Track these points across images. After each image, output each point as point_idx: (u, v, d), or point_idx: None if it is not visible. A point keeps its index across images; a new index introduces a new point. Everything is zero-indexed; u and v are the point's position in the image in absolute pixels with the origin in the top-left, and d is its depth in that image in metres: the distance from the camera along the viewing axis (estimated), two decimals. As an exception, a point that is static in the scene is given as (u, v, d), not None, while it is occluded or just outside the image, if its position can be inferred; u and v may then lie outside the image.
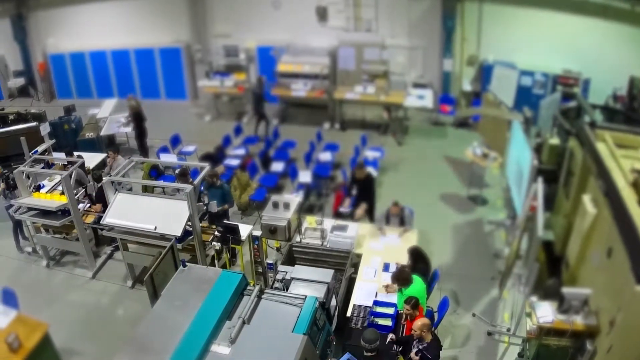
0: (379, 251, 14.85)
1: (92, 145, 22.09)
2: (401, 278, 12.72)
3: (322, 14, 26.83)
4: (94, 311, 15.45)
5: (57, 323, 13.16)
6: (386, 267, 14.08)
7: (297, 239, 15.39)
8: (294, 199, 15.93)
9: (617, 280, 10.47)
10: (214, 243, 14.37)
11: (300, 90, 25.97)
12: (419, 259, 13.93)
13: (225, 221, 15.01)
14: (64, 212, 15.83)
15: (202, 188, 16.63)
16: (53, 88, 31.48)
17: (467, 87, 26.44)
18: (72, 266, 17.37)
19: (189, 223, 14.15)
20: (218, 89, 27.36)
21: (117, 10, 29.58)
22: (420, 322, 10.76)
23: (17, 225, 17.49)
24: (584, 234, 12.48)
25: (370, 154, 21.68)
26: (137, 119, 22.89)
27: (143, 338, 9.70)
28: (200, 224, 14.76)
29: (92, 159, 19.67)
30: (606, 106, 19.08)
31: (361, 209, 16.50)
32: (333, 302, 12.95)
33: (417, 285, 12.67)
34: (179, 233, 13.92)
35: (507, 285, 14.74)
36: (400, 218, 15.84)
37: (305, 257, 15.11)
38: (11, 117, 22.85)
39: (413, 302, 11.66)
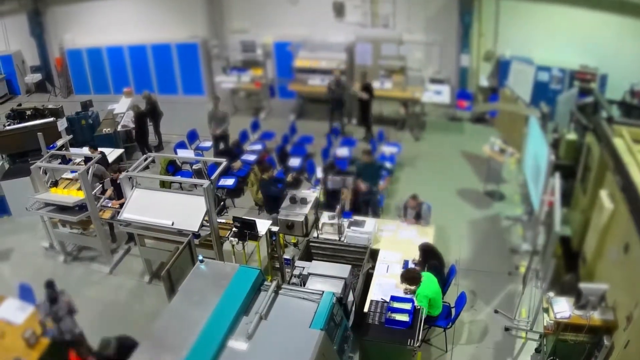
0: (396, 246, 14.90)
1: (110, 141, 22.21)
2: (409, 277, 12.77)
3: (339, 10, 26.85)
4: (111, 306, 15.58)
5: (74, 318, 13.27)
6: (405, 264, 14.09)
7: (315, 234, 15.44)
8: (312, 194, 15.98)
9: (635, 276, 10.50)
10: (231, 239, 14.45)
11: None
12: (431, 255, 13.89)
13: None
14: (81, 207, 15.99)
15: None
16: (70, 83, 31.65)
17: (484, 82, 26.39)
18: (89, 261, 17.54)
19: (206, 218, 14.24)
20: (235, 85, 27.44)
21: (134, 6, 29.72)
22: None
23: None
24: (601, 229, 12.49)
25: (387, 149, 21.70)
26: (152, 114, 23.02)
27: (160, 333, 9.71)
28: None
29: (109, 155, 19.74)
30: (623, 102, 18.98)
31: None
32: (350, 298, 12.92)
33: (429, 282, 12.75)
34: (196, 228, 13.98)
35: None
36: (417, 212, 15.88)
37: (322, 253, 15.14)
38: (28, 112, 23.11)
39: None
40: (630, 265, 10.81)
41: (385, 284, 13.47)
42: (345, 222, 15.49)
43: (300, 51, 26.71)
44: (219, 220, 14.88)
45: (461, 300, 13.15)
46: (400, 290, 13.07)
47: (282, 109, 26.47)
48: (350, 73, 26.35)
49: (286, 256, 14.91)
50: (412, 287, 12.67)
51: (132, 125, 22.91)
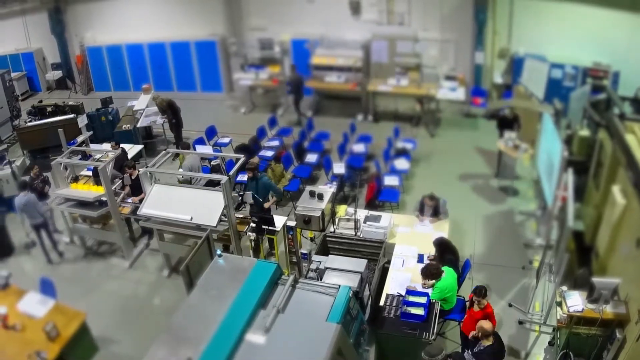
0: (412, 241, 14.95)
1: (129, 137, 22.32)
2: (430, 273, 12.78)
3: (355, 8, 26.90)
4: (130, 301, 15.69)
5: (95, 312, 13.34)
6: (420, 259, 14.18)
7: (331, 229, 15.47)
8: (328, 189, 16.03)
9: (647, 270, 10.55)
10: (249, 233, 14.52)
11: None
12: (446, 250, 13.91)
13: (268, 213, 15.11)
14: (101, 202, 16.11)
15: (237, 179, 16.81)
16: (90, 80, 31.81)
17: (499, 79, 26.38)
18: (109, 256, 17.64)
19: (224, 213, 14.32)
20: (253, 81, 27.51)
21: (154, 4, 29.88)
22: (482, 324, 10.83)
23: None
24: (614, 224, 12.50)
25: (403, 145, 21.76)
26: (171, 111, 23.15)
27: (179, 327, 9.76)
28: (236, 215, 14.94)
29: (129, 151, 19.84)
30: (635, 98, 18.93)
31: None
32: (366, 292, 12.98)
33: (449, 277, 12.80)
34: (214, 223, 14.08)
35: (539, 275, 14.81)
36: (434, 209, 15.93)
37: (339, 247, 15.14)
38: (49, 109, 23.32)
39: (482, 291, 11.83)
40: (642, 260, 10.85)
41: (400, 278, 13.53)
42: (362, 217, 15.54)
43: (317, 48, 26.78)
44: (236, 215, 14.97)
45: (476, 294, 13.22)
46: (415, 284, 13.13)
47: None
48: (367, 70, 26.37)
49: (303, 250, 14.96)
50: (432, 282, 12.73)
51: (159, 120, 23.04)
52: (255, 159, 18.77)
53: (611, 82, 22.63)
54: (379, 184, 18.79)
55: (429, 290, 12.77)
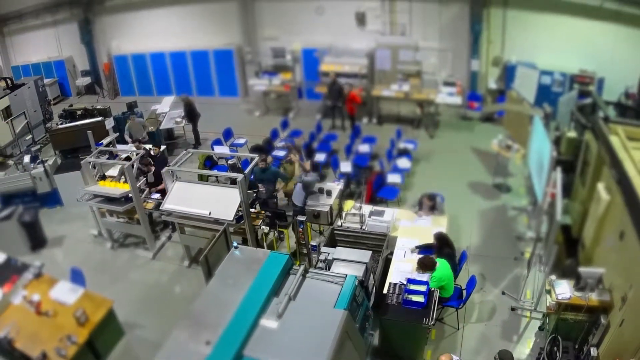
0: (413, 234, 14.95)
1: (153, 138, 22.39)
2: (424, 265, 12.88)
3: (361, 19, 26.92)
4: (154, 289, 15.80)
5: (121, 299, 13.40)
6: (422, 251, 14.15)
7: (339, 223, 15.47)
8: (336, 186, 16.03)
9: (629, 260, 10.53)
10: (263, 227, 14.54)
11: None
12: (444, 244, 13.96)
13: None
14: (126, 198, 16.18)
15: (252, 177, 16.83)
16: (117, 86, 31.93)
17: (493, 85, 26.33)
18: (134, 248, 17.71)
19: (240, 208, 14.35)
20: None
21: (176, 16, 29.89)
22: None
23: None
24: (599, 218, 12.49)
25: (404, 145, 21.78)
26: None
27: (199, 313, 9.86)
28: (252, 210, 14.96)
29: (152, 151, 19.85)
30: (619, 102, 18.97)
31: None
32: (371, 281, 13.05)
33: (443, 267, 12.88)
34: (231, 217, 14.11)
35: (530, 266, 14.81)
36: (431, 206, 15.93)
37: (345, 240, 15.17)
38: (79, 112, 23.46)
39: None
40: (625, 251, 10.82)
41: (402, 268, 13.56)
42: (367, 212, 15.57)
43: (326, 57, 26.72)
44: (252, 210, 14.99)
45: (471, 283, 13.28)
46: (417, 273, 13.17)
47: (309, 109, 26.51)
48: (371, 76, 26.36)
49: (313, 243, 14.97)
50: (427, 273, 12.77)
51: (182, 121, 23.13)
52: (269, 159, 18.83)
53: (596, 87, 22.60)
54: (380, 180, 18.80)
55: (426, 275, 12.89)
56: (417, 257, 13.66)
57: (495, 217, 18.35)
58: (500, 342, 11.37)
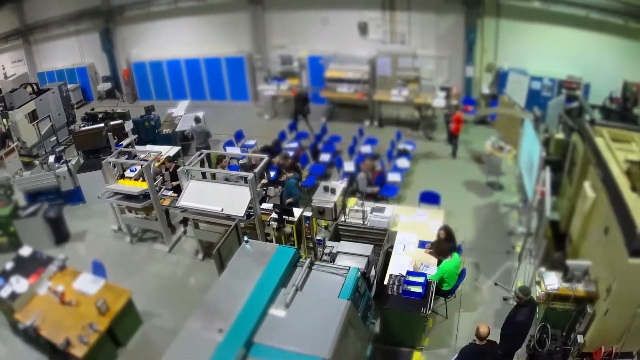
0: (412, 228, 15.00)
1: (169, 139, 22.48)
2: (441, 250, 12.94)
3: (363, 29, 26.93)
4: (170, 280, 15.90)
5: (139, 290, 13.66)
6: (422, 244, 14.22)
7: (342, 218, 15.57)
8: (340, 185, 16.10)
9: (613, 254, 10.54)
10: (272, 223, 14.56)
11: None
12: (450, 238, 13.99)
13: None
14: (144, 196, 16.23)
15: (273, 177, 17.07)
16: (135, 91, 31.95)
17: (486, 90, 26.26)
18: (151, 242, 17.81)
19: (251, 205, 14.38)
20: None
21: (190, 25, 29.92)
22: (478, 326, 10.88)
23: None
24: (585, 214, 12.48)
25: (404, 146, 21.81)
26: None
27: (212, 303, 9.94)
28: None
29: (168, 152, 19.88)
30: (604, 106, 19.02)
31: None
32: (372, 272, 13.12)
33: (455, 261, 12.95)
34: (242, 214, 14.16)
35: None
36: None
37: (349, 234, 15.28)
38: (100, 115, 23.48)
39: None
40: (609, 245, 10.83)
41: (402, 261, 13.58)
42: (368, 208, 15.60)
43: (331, 64, 26.63)
44: (261, 207, 15.01)
45: (462, 274, 13.39)
46: (416, 264, 13.24)
47: (314, 112, 26.45)
48: (373, 82, 26.34)
49: (318, 237, 15.00)
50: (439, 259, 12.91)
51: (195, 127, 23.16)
52: (277, 159, 18.84)
53: (583, 92, 22.58)
54: (381, 179, 18.81)
55: (425, 268, 12.90)
56: (416, 250, 13.73)
57: (489, 213, 18.36)
58: (493, 329, 11.34)
